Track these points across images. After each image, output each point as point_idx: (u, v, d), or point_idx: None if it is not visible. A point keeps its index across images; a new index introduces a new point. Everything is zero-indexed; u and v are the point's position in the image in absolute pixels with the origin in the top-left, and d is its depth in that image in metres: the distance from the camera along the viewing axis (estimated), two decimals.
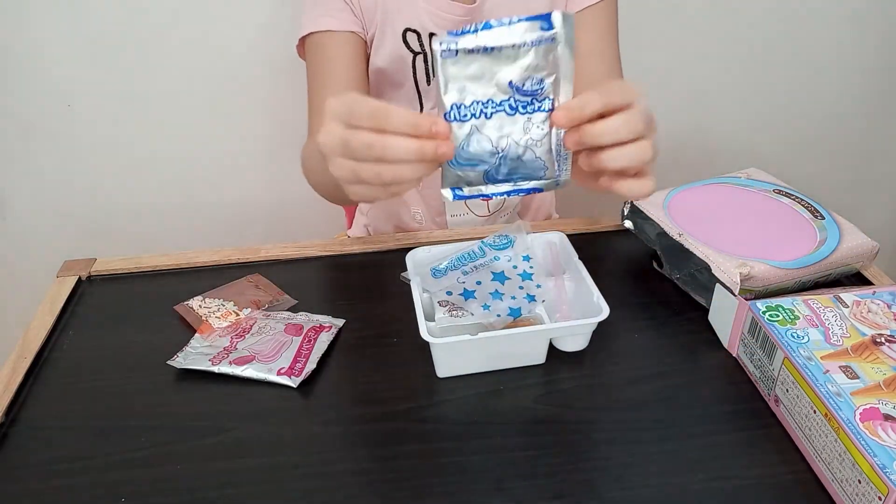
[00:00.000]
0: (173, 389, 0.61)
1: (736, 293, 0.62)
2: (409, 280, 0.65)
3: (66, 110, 1.19)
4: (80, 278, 0.76)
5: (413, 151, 0.45)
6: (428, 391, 0.60)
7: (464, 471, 0.53)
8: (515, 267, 0.66)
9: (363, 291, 0.73)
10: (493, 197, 0.48)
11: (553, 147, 0.48)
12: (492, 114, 0.47)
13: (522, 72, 0.46)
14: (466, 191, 0.49)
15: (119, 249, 0.83)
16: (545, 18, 0.45)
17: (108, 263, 0.78)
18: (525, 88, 0.46)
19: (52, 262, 0.79)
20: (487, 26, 0.45)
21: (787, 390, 0.54)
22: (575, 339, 0.62)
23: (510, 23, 0.45)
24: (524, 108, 0.47)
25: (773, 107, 1.40)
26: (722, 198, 0.75)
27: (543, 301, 0.64)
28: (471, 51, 0.45)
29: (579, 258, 0.67)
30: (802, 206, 0.73)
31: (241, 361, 0.61)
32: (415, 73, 0.82)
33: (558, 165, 0.49)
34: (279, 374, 0.60)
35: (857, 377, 0.52)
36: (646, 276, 0.73)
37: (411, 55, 0.81)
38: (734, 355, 0.63)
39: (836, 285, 0.69)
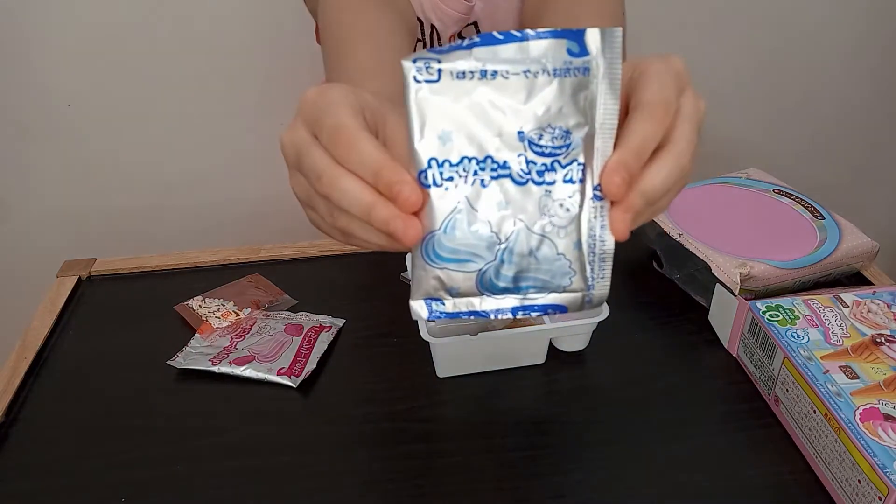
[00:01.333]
0: (173, 389, 0.61)
1: (736, 293, 0.62)
2: (409, 280, 0.65)
3: (66, 110, 1.19)
4: (80, 278, 0.76)
5: (362, 209, 0.31)
6: (428, 391, 0.60)
7: (464, 471, 0.53)
8: None
9: (363, 291, 0.73)
10: (492, 318, 0.33)
11: (584, 240, 0.32)
12: (491, 180, 0.31)
13: (539, 117, 0.31)
14: (449, 304, 0.33)
15: (119, 249, 0.83)
16: (575, 36, 0.30)
17: (108, 263, 0.78)
18: (543, 143, 0.31)
19: (52, 262, 0.79)
20: (489, 40, 0.30)
21: (787, 390, 0.54)
22: (575, 339, 0.62)
23: (523, 37, 0.30)
24: (540, 175, 0.31)
25: (774, 107, 1.40)
26: (722, 198, 0.75)
27: None
28: (461, 74, 0.30)
29: None
30: (802, 206, 0.73)
31: (240, 361, 0.61)
32: None
33: (591, 270, 0.33)
34: (279, 374, 0.60)
35: (857, 377, 0.52)
36: (646, 276, 0.73)
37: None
38: (734, 355, 0.63)
39: (836, 285, 0.69)
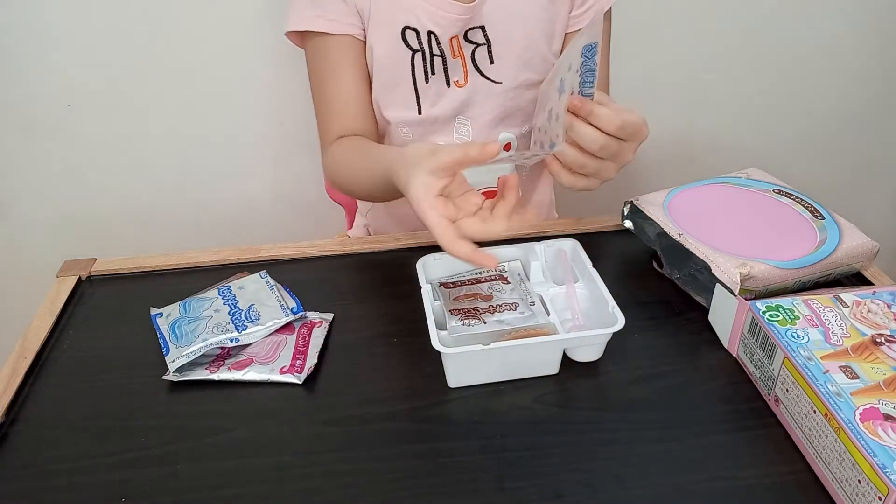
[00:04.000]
0: (173, 389, 0.61)
1: (736, 293, 0.62)
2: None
3: (66, 110, 1.19)
4: (80, 278, 0.76)
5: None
6: (428, 391, 0.60)
7: (464, 471, 0.53)
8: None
9: (363, 291, 0.73)
10: None
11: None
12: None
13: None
14: None
15: (119, 249, 0.83)
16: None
17: (108, 263, 0.78)
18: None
19: (52, 262, 0.79)
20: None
21: (787, 390, 0.54)
22: (589, 350, 0.62)
23: None
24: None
25: (774, 107, 1.40)
26: (722, 198, 0.75)
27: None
28: None
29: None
30: (802, 206, 0.73)
31: (240, 366, 0.61)
32: (413, 71, 0.82)
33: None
34: (282, 373, 0.60)
35: (857, 377, 0.52)
36: (646, 276, 0.73)
37: (409, 53, 0.81)
38: (734, 355, 0.63)
39: (836, 285, 0.69)
